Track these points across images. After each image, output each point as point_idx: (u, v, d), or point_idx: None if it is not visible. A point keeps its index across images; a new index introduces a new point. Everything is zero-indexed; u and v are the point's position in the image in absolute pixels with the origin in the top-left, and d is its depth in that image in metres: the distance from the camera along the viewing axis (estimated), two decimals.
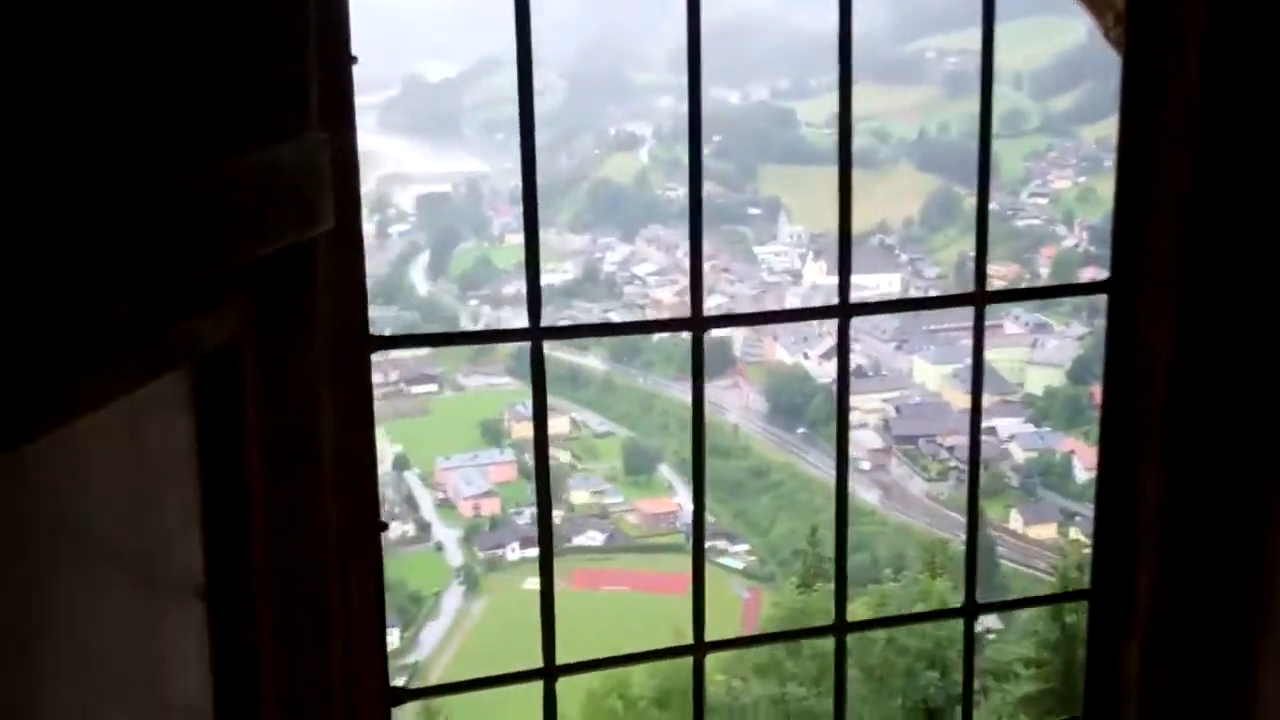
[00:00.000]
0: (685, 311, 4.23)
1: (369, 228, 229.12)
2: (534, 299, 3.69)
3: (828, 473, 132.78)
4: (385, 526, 3.43)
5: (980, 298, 3.80)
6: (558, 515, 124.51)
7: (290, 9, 2.53)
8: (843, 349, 3.98)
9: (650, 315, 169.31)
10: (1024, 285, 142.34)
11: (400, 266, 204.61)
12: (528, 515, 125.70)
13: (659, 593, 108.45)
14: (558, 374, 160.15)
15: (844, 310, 3.86)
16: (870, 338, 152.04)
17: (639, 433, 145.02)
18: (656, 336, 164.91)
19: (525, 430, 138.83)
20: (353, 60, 3.09)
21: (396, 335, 3.68)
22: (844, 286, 3.91)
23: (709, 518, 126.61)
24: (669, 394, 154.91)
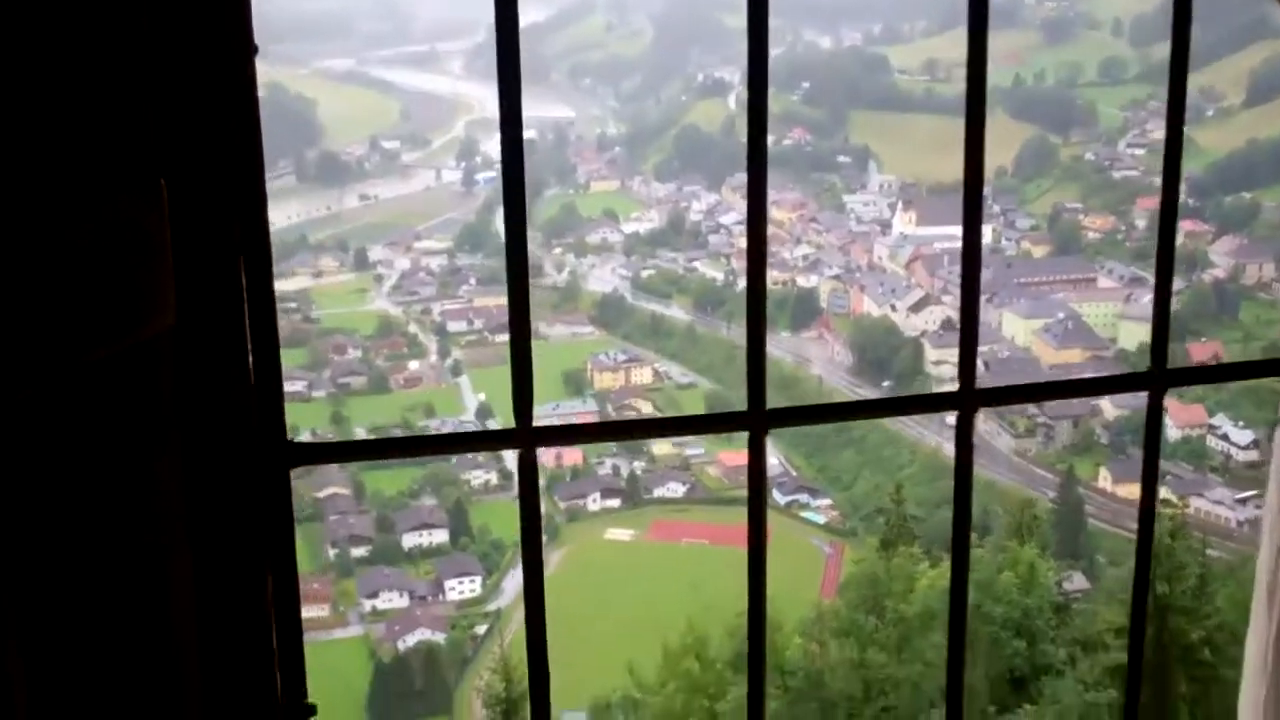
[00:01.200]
0: (769, 263, 3.74)
1: (455, 175, 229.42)
2: (523, 397, 3.19)
3: (913, 429, 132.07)
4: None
5: (1159, 378, 3.16)
6: (639, 466, 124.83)
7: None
8: (964, 440, 3.20)
9: (734, 264, 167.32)
10: (1118, 237, 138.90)
11: (485, 215, 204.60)
12: (609, 466, 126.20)
13: (738, 545, 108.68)
14: (641, 324, 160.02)
15: (968, 398, 3.14)
16: (959, 289, 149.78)
17: (722, 384, 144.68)
18: (740, 284, 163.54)
19: (609, 380, 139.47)
20: (254, 50, 2.89)
21: (321, 444, 3.13)
22: (968, 371, 3.10)
23: (790, 471, 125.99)
24: None
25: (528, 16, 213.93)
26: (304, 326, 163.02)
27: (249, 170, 2.99)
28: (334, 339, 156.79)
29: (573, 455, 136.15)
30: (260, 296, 3.07)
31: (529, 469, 3.16)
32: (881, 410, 4.39)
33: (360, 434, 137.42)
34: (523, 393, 3.19)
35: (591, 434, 3.47)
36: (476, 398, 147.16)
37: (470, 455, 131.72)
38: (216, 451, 2.74)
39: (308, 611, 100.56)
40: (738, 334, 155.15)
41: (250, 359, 2.87)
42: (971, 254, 3.33)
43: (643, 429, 3.60)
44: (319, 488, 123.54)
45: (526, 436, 3.17)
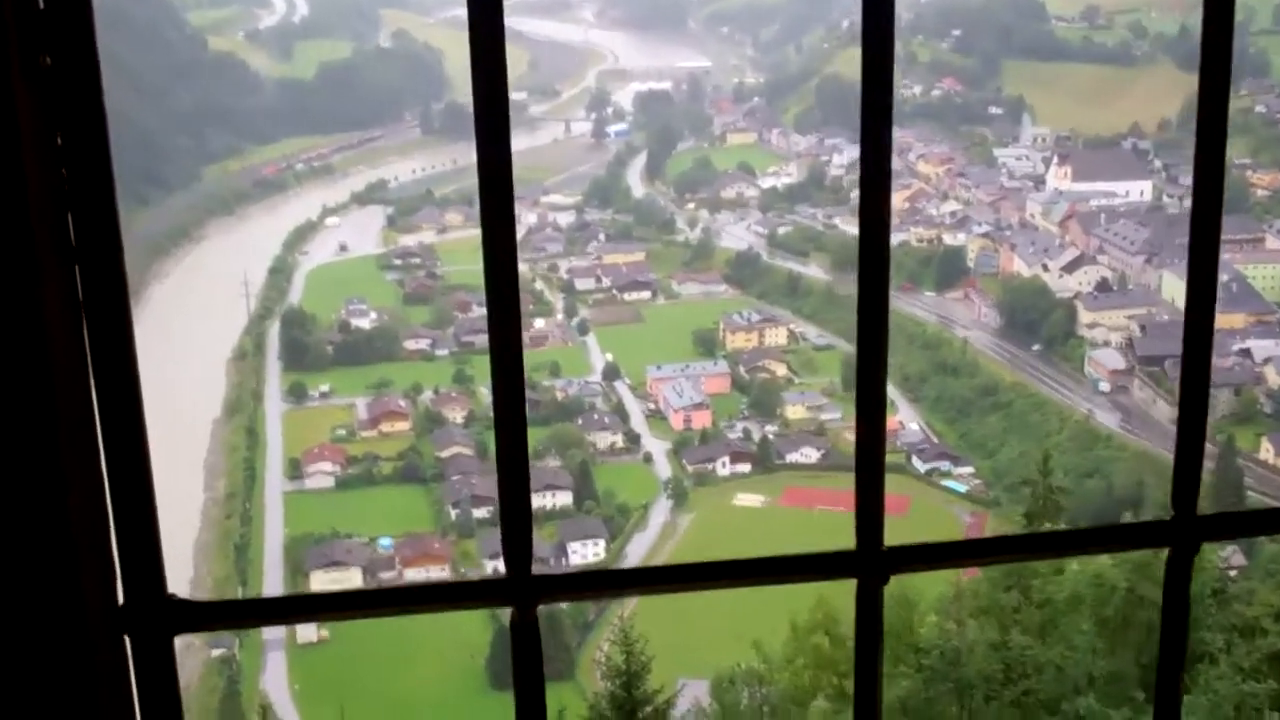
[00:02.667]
0: (913, 220, 3.46)
1: (585, 126, 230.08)
2: (519, 543, 2.53)
3: (1063, 394, 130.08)
4: None
5: (1186, 529, 2.75)
6: (771, 430, 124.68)
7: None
8: (1178, 582, 2.78)
9: None
10: None
11: (616, 168, 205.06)
12: (740, 429, 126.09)
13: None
14: (776, 283, 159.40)
15: (1186, 530, 2.77)
16: (1118, 249, 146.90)
17: None
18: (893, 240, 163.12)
19: (741, 340, 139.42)
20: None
21: (203, 602, 2.36)
22: (1186, 499, 2.79)
23: (932, 437, 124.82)
24: (894, 305, 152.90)
25: None
26: (428, 283, 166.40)
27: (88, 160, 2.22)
28: (458, 296, 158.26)
29: (701, 418, 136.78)
30: (113, 367, 2.27)
31: (528, 632, 2.54)
32: (1077, 545, 3.79)
33: (484, 393, 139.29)
34: (518, 534, 2.54)
35: (601, 584, 2.86)
36: (604, 357, 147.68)
37: (596, 414, 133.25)
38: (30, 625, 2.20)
39: (428, 572, 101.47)
40: None
41: (73, 490, 2.21)
42: (1201, 334, 2.77)
43: (685, 577, 2.86)
44: (442, 447, 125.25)
45: (524, 588, 2.50)
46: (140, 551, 2.25)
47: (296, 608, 2.61)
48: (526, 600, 2.48)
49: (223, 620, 2.41)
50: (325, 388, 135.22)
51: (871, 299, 2.70)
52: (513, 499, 2.48)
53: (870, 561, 2.67)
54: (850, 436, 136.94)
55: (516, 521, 2.49)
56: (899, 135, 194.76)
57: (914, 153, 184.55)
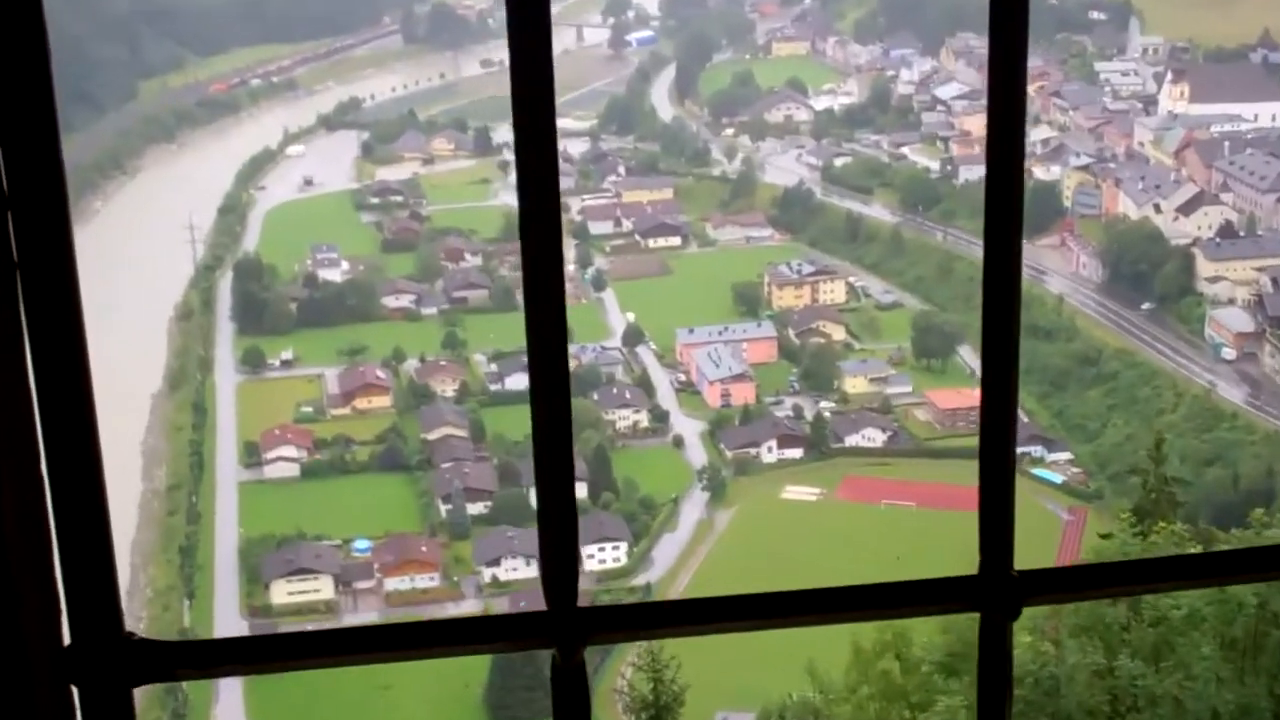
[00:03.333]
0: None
1: (601, 34, 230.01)
2: (563, 570, 2.46)
3: (1178, 363, 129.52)
4: None
5: (996, 590, 2.83)
6: (827, 407, 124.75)
7: None
8: None
9: (955, 151, 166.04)
10: None
11: (638, 85, 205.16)
12: (789, 406, 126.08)
13: (953, 508, 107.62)
14: (832, 227, 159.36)
15: None
16: (1246, 185, 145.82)
17: (934, 303, 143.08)
18: (964, 176, 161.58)
19: (790, 297, 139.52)
20: None
21: (170, 643, 2.34)
22: None
23: (1021, 416, 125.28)
24: (975, 252, 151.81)
25: None
26: (411, 226, 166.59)
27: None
28: (448, 242, 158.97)
29: (742, 392, 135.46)
30: (55, 354, 2.20)
31: (574, 678, 2.44)
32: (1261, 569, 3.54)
33: (480, 361, 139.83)
34: (562, 559, 2.45)
35: (664, 620, 2.64)
36: (624, 317, 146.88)
37: (615, 388, 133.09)
38: None
39: (413, 580, 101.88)
40: (954, 240, 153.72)
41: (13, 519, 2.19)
42: None
43: (766, 610, 2.69)
44: (430, 428, 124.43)
45: (570, 626, 2.41)
46: (91, 581, 2.15)
47: (287, 649, 2.41)
48: (572, 640, 2.37)
49: (196, 666, 2.29)
50: (288, 355, 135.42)
51: (1000, 268, 2.56)
52: (555, 515, 2.39)
53: (998, 590, 2.52)
54: (921, 415, 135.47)
55: (560, 543, 2.39)
56: (973, 43, 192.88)
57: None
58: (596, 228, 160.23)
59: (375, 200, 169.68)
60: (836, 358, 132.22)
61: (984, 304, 2.59)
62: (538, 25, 2.47)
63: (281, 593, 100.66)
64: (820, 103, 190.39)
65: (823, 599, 2.53)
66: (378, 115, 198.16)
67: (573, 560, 2.39)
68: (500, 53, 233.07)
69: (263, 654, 2.34)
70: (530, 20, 2.46)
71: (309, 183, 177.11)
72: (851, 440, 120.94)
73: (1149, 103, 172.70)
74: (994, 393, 2.52)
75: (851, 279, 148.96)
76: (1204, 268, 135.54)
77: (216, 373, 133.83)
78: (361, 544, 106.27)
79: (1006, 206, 2.51)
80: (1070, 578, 2.59)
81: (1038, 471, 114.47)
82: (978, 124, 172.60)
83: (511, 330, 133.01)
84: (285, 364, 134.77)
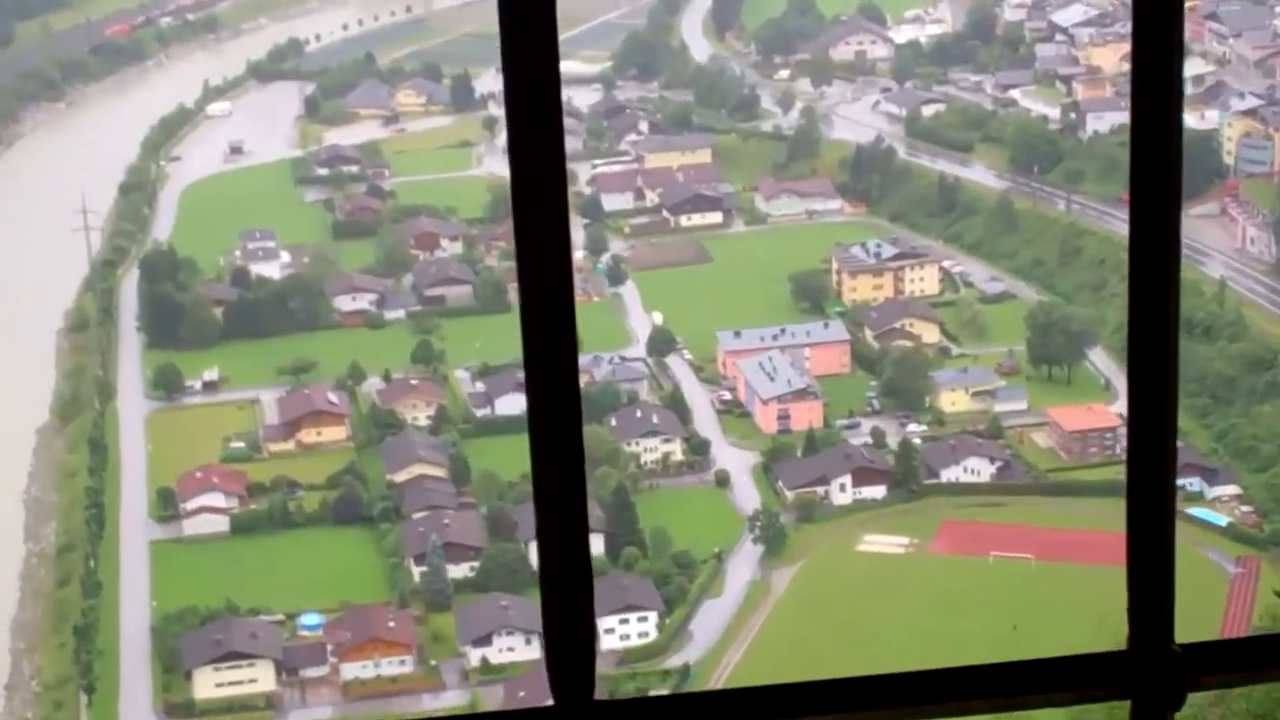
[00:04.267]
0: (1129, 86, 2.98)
1: None
2: (576, 656, 2.42)
3: None
4: None
5: (1152, 673, 2.89)
6: (917, 431, 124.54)
7: None
8: None
9: (1080, 94, 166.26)
10: None
11: (664, 14, 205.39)
12: (867, 430, 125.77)
13: (1085, 561, 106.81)
14: (920, 196, 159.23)
15: None
16: None
17: (1056, 293, 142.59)
18: (1092, 127, 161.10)
19: (867, 288, 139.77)
20: None
21: None
22: None
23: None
24: (1109, 226, 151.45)
25: None
26: (371, 205, 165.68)
27: None
28: (419, 224, 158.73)
29: (806, 413, 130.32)
30: None
31: None
32: None
33: (462, 379, 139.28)
34: (575, 641, 2.42)
35: (703, 713, 2.50)
36: (650, 319, 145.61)
37: (639, 411, 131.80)
38: None
39: (379, 667, 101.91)
40: (1082, 208, 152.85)
41: None
42: None
43: (836, 701, 2.53)
44: (398, 467, 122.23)
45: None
46: None
47: None
48: None
49: None
50: (212, 375, 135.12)
51: (1150, 245, 2.55)
52: (564, 578, 2.40)
53: (1155, 670, 2.50)
54: (1040, 439, 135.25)
55: (570, 614, 2.41)
56: None
57: None
58: (612, 202, 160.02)
59: (323, 172, 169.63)
60: (928, 366, 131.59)
61: (1130, 293, 2.45)
62: None
63: (208, 684, 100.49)
64: (902, 34, 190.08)
65: (917, 685, 2.47)
66: (325, 61, 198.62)
67: (587, 637, 2.42)
68: None
69: None
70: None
71: (237, 150, 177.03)
72: (950, 474, 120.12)
73: None
74: (1144, 410, 2.35)
75: (947, 263, 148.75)
76: None
77: (120, 400, 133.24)
78: (310, 619, 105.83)
79: (1159, 164, 2.33)
80: (1245, 653, 2.52)
81: (1196, 511, 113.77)
82: (1110, 57, 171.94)
83: (503, 338, 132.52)
84: (209, 387, 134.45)
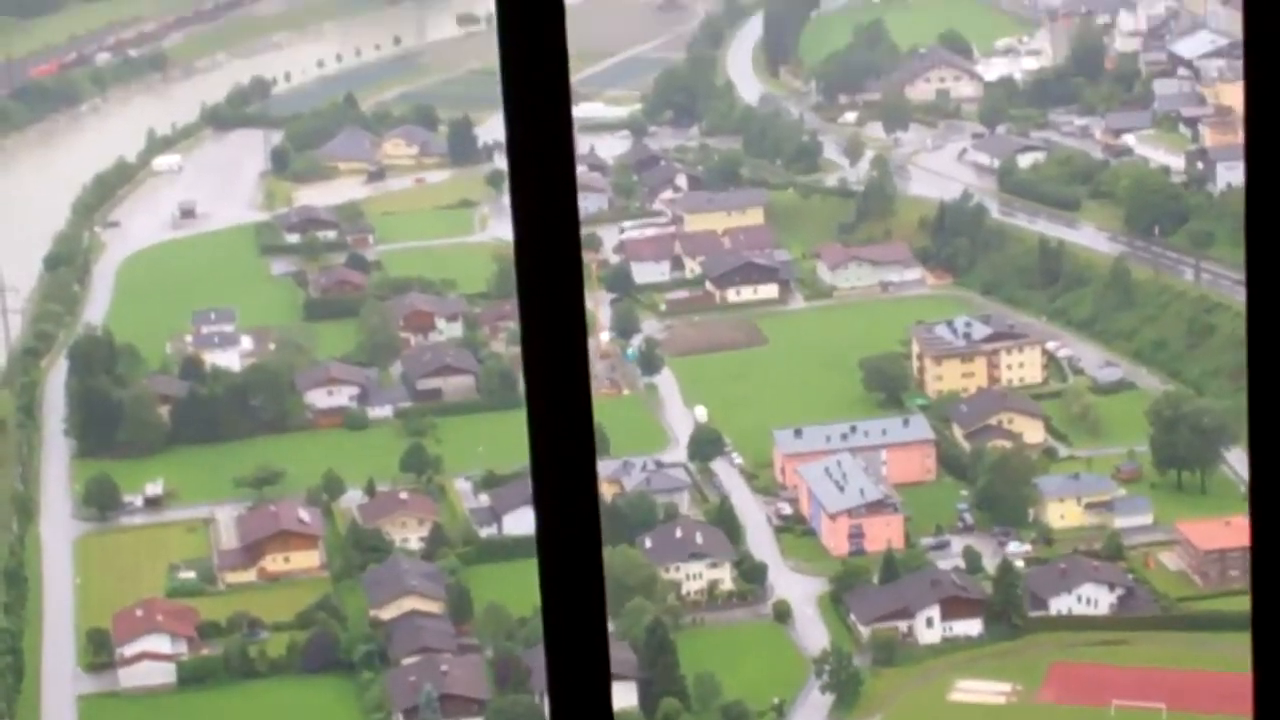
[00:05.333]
0: None
1: None
2: None
3: None
4: None
5: None
6: (1018, 552, 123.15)
7: None
8: None
9: (1208, 139, 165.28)
10: None
11: (707, 46, 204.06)
12: (958, 550, 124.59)
13: (1224, 710, 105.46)
14: (1018, 262, 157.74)
15: None
16: None
17: (1184, 380, 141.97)
18: (1224, 180, 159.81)
19: (955, 376, 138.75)
20: None
21: None
22: None
23: None
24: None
25: None
26: (352, 278, 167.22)
27: None
28: (409, 301, 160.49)
29: (883, 530, 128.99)
30: None
31: None
32: None
33: (463, 490, 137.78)
34: None
35: None
36: (691, 415, 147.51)
37: (679, 529, 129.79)
38: None
39: None
40: (1217, 279, 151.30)
41: None
42: None
43: None
44: (384, 600, 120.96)
45: None
46: None
47: None
48: None
49: None
50: (156, 488, 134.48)
51: (1273, 318, 2.50)
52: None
53: None
54: (1171, 560, 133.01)
55: None
56: None
57: None
58: (645, 273, 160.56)
59: (294, 239, 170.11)
60: (1032, 472, 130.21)
61: (1250, 379, 2.50)
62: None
63: None
64: (993, 69, 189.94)
65: None
66: (296, 105, 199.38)
67: None
68: (489, 2, 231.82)
69: None
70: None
71: (188, 214, 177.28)
72: (1061, 605, 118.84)
73: None
74: (1271, 519, 2.36)
75: (1051, 345, 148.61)
76: None
77: (43, 521, 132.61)
78: None
79: (1275, 220, 2.32)
80: None
81: None
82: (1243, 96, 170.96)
83: (512, 440, 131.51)
84: (152, 503, 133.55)
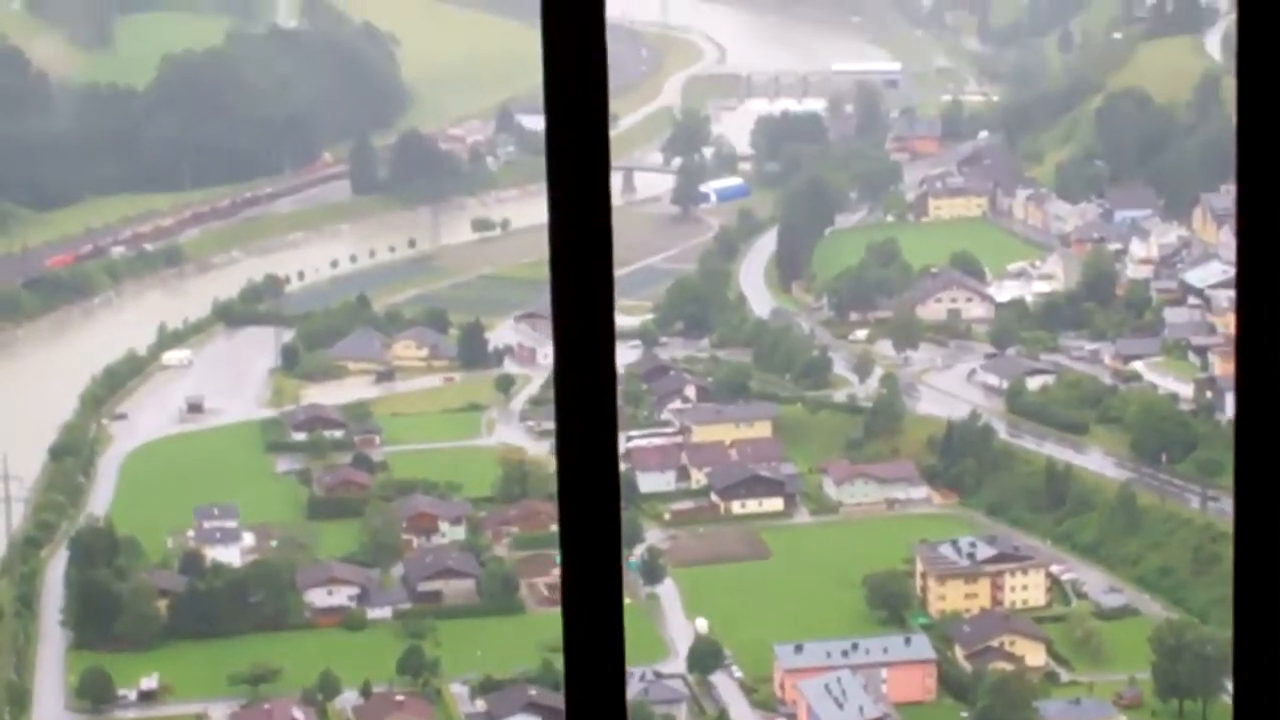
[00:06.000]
0: None
1: (664, 180, 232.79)
2: None
3: None
4: None
5: None
6: None
7: None
8: None
9: (1218, 368, 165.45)
10: None
11: (720, 260, 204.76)
12: None
13: None
14: (1024, 484, 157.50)
15: None
16: None
17: (1189, 609, 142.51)
18: (1231, 409, 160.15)
19: (958, 596, 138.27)
20: None
21: None
22: None
23: None
24: None
25: None
26: (357, 478, 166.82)
27: None
28: (414, 503, 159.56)
29: None
30: None
31: None
32: None
33: (459, 694, 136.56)
34: None
35: None
36: (692, 626, 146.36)
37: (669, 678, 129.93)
38: None
39: None
40: (1224, 509, 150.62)
41: None
42: None
43: None
44: None
45: None
46: None
47: None
48: None
49: None
50: (150, 683, 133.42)
51: (1266, 548, 2.46)
52: None
53: None
54: None
55: None
56: None
57: None
58: (650, 483, 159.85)
59: (300, 437, 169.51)
60: (1033, 695, 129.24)
61: (1235, 610, 2.45)
62: (593, 164, 2.44)
63: None
64: (1004, 291, 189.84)
65: None
66: (308, 304, 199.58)
67: None
68: (504, 209, 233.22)
69: None
70: (582, 156, 2.42)
71: (196, 408, 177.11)
72: None
73: None
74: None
75: (1056, 569, 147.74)
76: None
77: (35, 713, 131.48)
78: None
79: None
80: None
81: None
82: None
83: (511, 645, 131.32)
84: (146, 698, 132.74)
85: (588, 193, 3.56)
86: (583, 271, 3.58)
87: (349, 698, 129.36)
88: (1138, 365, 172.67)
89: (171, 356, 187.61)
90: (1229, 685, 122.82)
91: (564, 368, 3.01)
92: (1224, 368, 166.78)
